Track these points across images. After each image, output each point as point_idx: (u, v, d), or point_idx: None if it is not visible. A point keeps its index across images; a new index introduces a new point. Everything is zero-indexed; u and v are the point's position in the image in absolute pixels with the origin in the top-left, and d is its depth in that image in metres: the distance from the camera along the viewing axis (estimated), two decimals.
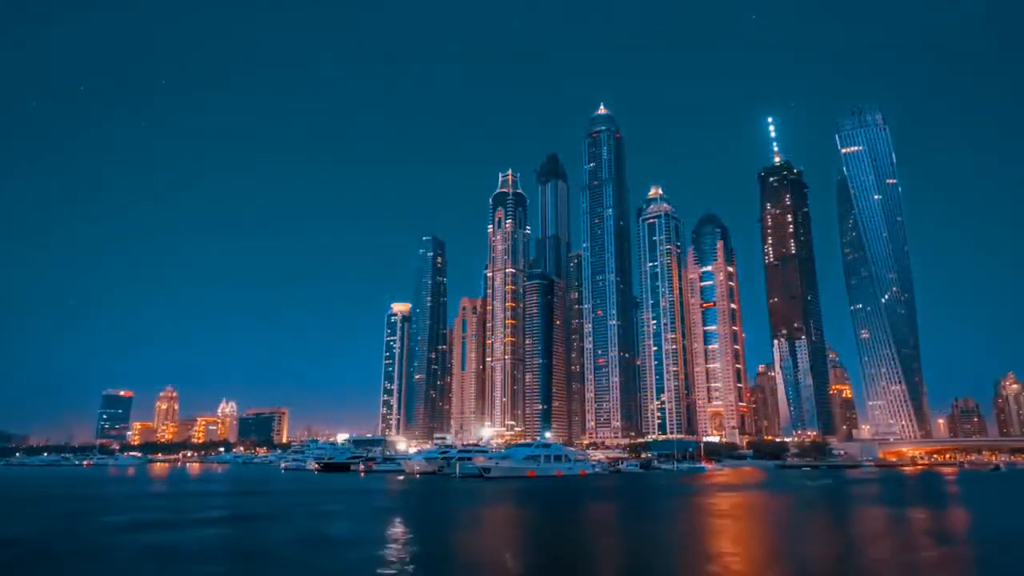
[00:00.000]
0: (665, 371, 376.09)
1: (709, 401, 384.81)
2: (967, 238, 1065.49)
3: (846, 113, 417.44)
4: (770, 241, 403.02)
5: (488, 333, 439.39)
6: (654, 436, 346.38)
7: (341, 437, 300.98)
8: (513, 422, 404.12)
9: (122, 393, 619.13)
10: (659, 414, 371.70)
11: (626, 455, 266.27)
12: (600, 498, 76.18)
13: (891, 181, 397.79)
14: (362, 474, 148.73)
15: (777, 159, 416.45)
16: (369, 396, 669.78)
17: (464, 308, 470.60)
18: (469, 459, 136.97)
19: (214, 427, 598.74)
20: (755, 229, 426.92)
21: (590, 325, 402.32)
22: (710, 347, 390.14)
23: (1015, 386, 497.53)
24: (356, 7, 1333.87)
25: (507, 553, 32.48)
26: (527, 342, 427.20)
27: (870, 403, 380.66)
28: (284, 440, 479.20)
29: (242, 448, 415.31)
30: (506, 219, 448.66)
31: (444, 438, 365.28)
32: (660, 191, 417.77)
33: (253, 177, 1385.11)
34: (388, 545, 33.38)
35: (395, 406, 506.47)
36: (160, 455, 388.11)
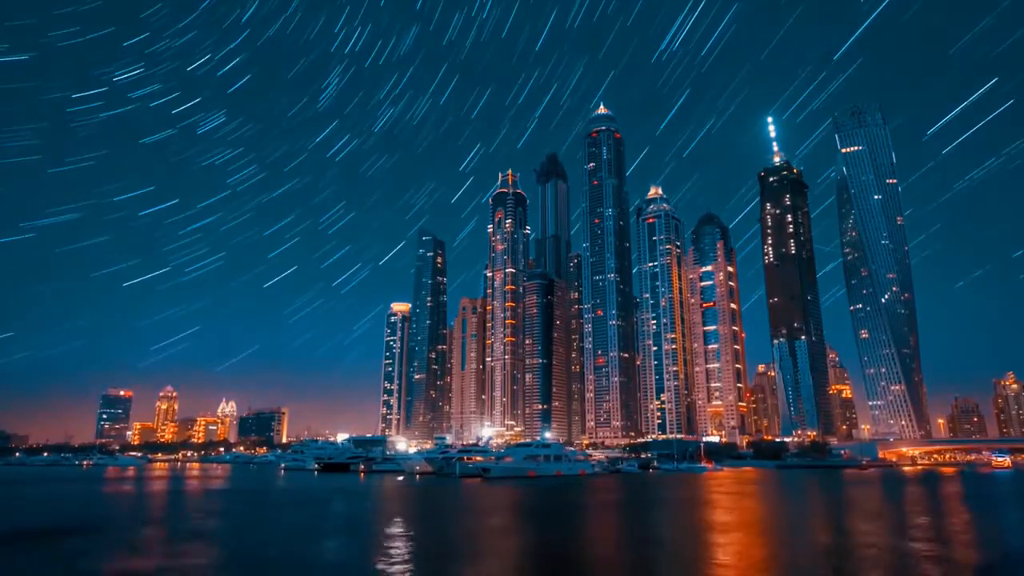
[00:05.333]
0: (665, 371, 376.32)
1: (709, 401, 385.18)
2: (967, 238, 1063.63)
3: (846, 113, 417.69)
4: (770, 241, 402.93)
5: (488, 333, 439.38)
6: (654, 436, 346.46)
7: (341, 437, 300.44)
8: (513, 422, 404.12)
9: (122, 393, 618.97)
10: (659, 414, 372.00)
11: (626, 455, 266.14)
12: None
13: (891, 181, 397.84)
14: (362, 475, 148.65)
15: (777, 159, 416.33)
16: (369, 396, 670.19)
17: (464, 308, 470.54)
18: (469, 459, 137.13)
19: (214, 427, 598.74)
20: (755, 229, 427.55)
21: (590, 325, 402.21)
22: (710, 347, 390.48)
23: (1015, 386, 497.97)
24: (354, 7, 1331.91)
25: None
26: (527, 342, 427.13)
27: (870, 403, 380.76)
28: (284, 440, 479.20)
29: (242, 448, 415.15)
30: (506, 219, 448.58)
31: (444, 438, 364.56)
32: (660, 191, 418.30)
33: (252, 175, 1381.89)
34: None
35: (395, 406, 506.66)
36: (160, 455, 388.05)
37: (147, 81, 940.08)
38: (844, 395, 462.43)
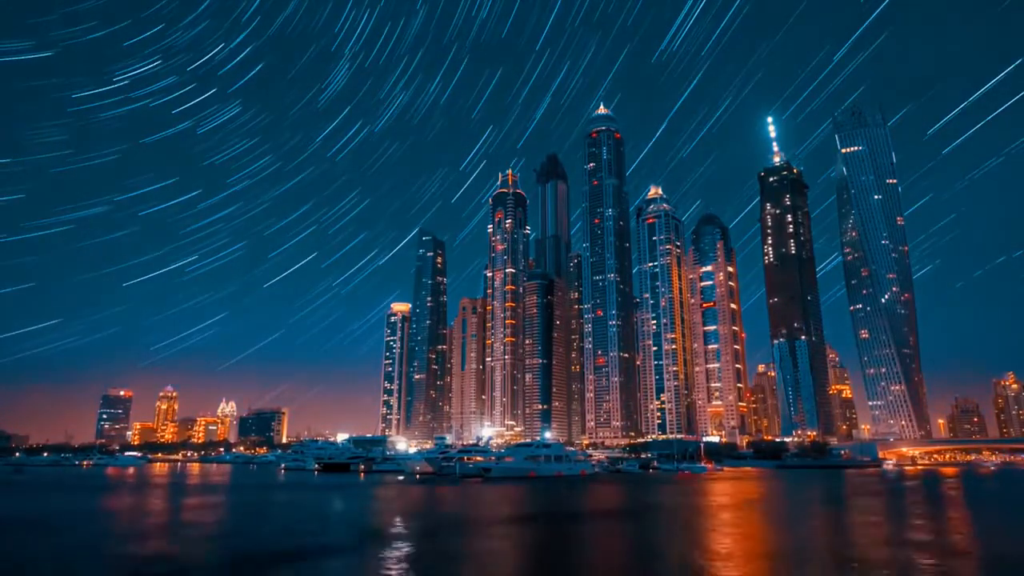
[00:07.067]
0: (665, 371, 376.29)
1: (709, 401, 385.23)
2: (967, 238, 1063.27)
3: (846, 113, 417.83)
4: (770, 241, 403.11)
5: (488, 333, 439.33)
6: (654, 436, 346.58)
7: (341, 437, 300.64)
8: (513, 422, 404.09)
9: (122, 393, 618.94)
10: (659, 414, 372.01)
11: (626, 455, 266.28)
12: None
13: (891, 181, 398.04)
14: (362, 475, 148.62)
15: (777, 159, 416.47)
16: (369, 396, 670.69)
17: (464, 308, 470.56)
18: (469, 459, 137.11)
19: (214, 427, 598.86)
20: (755, 229, 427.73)
21: (590, 325, 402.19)
22: (710, 347, 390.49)
23: (1015, 386, 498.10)
24: (354, 10, 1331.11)
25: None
26: (527, 342, 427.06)
27: (870, 403, 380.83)
28: (284, 440, 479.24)
29: (242, 448, 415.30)
30: (506, 219, 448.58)
31: (444, 438, 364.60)
32: (660, 191, 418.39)
33: (251, 176, 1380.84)
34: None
35: (395, 406, 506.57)
36: (160, 455, 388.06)
37: (161, 75, 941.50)
38: (844, 395, 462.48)
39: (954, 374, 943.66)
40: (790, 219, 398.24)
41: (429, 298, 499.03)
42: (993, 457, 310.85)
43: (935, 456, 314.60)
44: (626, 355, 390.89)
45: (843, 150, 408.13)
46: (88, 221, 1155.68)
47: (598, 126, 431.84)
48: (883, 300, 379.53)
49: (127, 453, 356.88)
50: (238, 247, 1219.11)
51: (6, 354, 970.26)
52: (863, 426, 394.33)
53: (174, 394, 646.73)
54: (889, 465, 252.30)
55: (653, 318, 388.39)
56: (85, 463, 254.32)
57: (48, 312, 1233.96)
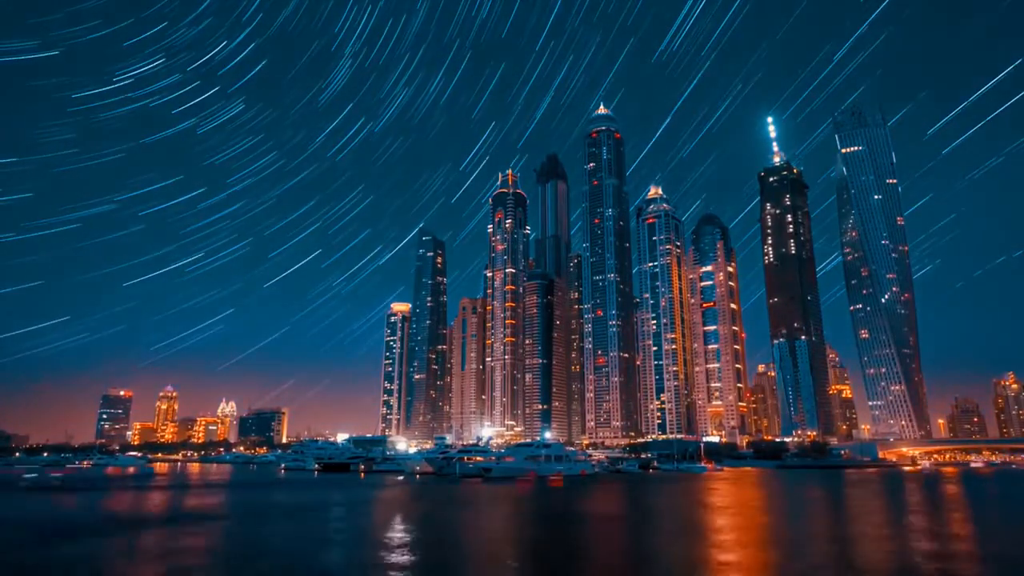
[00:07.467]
0: (665, 371, 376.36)
1: (709, 401, 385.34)
2: (967, 238, 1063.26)
3: (846, 113, 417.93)
4: (770, 241, 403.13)
5: (488, 333, 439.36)
6: (654, 436, 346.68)
7: (341, 437, 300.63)
8: (513, 422, 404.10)
9: (122, 393, 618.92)
10: (659, 414, 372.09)
11: (626, 455, 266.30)
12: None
13: (891, 181, 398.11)
14: (362, 475, 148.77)
15: (777, 159, 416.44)
16: (369, 396, 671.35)
17: (464, 308, 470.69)
18: (469, 459, 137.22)
19: (214, 427, 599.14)
20: (755, 229, 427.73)
21: (590, 325, 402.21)
22: (710, 347, 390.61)
23: (1015, 386, 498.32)
24: (356, 7, 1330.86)
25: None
26: (527, 342, 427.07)
27: (870, 403, 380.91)
28: (284, 440, 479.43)
29: (242, 448, 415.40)
30: (506, 219, 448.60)
31: (444, 438, 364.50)
32: (660, 191, 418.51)
33: (253, 174, 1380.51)
34: None
35: (395, 406, 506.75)
36: (160, 455, 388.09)
37: (163, 74, 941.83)
38: (844, 395, 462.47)
39: (954, 374, 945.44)
40: (790, 219, 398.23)
41: (429, 298, 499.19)
42: (993, 456, 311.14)
43: (935, 456, 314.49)
44: (626, 355, 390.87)
45: (843, 150, 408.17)
46: (91, 220, 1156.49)
47: (598, 126, 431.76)
48: (883, 300, 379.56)
49: (127, 453, 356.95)
50: (240, 246, 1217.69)
51: (6, 354, 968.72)
52: (863, 426, 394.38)
53: (174, 394, 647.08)
54: (925, 463, 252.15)
55: (653, 318, 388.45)
56: (85, 463, 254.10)
57: (50, 312, 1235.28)
